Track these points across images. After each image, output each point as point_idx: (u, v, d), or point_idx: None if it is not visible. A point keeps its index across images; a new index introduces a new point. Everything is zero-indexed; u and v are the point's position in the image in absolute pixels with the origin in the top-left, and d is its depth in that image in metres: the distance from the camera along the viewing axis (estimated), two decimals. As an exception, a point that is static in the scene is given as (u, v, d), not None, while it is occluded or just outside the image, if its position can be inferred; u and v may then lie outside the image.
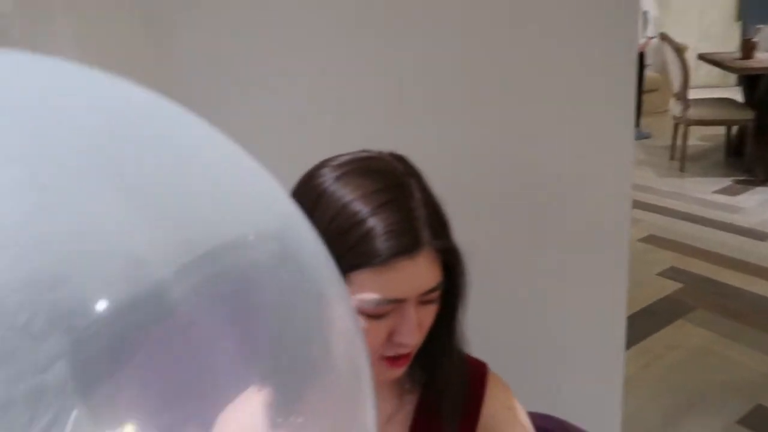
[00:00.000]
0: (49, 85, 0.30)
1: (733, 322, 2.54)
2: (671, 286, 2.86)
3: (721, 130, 4.78)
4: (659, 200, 3.99)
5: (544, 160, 1.21)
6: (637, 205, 3.96)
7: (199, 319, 0.27)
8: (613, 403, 1.40)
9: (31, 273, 0.25)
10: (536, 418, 0.86)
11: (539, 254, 1.27)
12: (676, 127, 4.62)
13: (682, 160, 4.56)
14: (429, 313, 0.64)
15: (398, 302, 0.60)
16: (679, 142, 4.55)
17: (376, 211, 0.58)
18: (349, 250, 0.57)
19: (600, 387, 1.39)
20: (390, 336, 0.62)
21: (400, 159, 0.65)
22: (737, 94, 4.85)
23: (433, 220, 0.60)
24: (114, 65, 0.36)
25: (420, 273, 0.59)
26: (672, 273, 2.99)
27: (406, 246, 0.58)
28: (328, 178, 0.61)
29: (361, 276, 0.58)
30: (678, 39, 4.58)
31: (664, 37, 4.56)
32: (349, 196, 0.59)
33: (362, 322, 0.59)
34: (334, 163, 0.63)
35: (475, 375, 0.77)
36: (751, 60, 4.37)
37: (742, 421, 1.96)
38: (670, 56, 4.51)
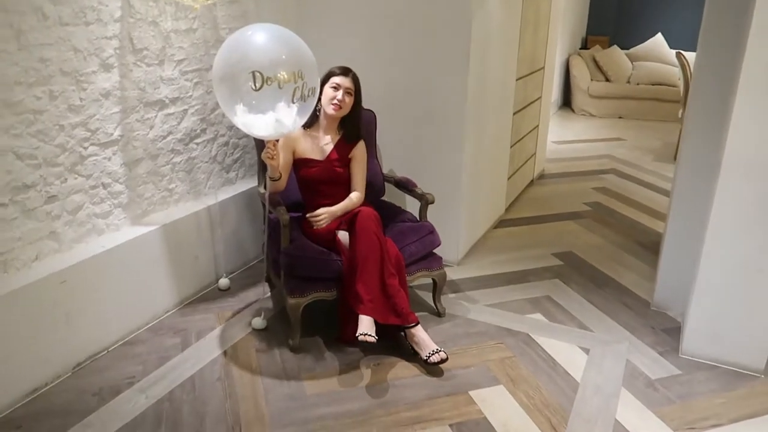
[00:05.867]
0: (273, 27, 2.34)
1: (600, 225, 4.13)
2: (584, 208, 4.48)
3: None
4: (634, 172, 5.45)
5: (428, 83, 3.15)
6: (616, 173, 5.48)
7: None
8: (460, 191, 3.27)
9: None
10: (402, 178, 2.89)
11: (423, 117, 3.21)
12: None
13: (676, 152, 5.89)
14: (350, 99, 2.72)
15: (339, 87, 2.67)
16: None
17: (336, 69, 2.70)
18: (328, 75, 2.69)
19: (449, 184, 3.26)
20: (335, 97, 2.68)
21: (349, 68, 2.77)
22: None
23: (354, 74, 2.71)
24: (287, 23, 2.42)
25: (346, 81, 2.68)
26: (591, 203, 4.58)
27: (344, 72, 2.69)
28: (329, 69, 2.72)
29: (331, 79, 2.68)
30: None
31: (678, 55, 5.89)
32: (332, 69, 2.70)
33: (330, 91, 2.69)
34: (334, 67, 2.74)
35: (358, 137, 2.82)
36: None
37: (554, 254, 3.66)
38: (678, 71, 5.84)
